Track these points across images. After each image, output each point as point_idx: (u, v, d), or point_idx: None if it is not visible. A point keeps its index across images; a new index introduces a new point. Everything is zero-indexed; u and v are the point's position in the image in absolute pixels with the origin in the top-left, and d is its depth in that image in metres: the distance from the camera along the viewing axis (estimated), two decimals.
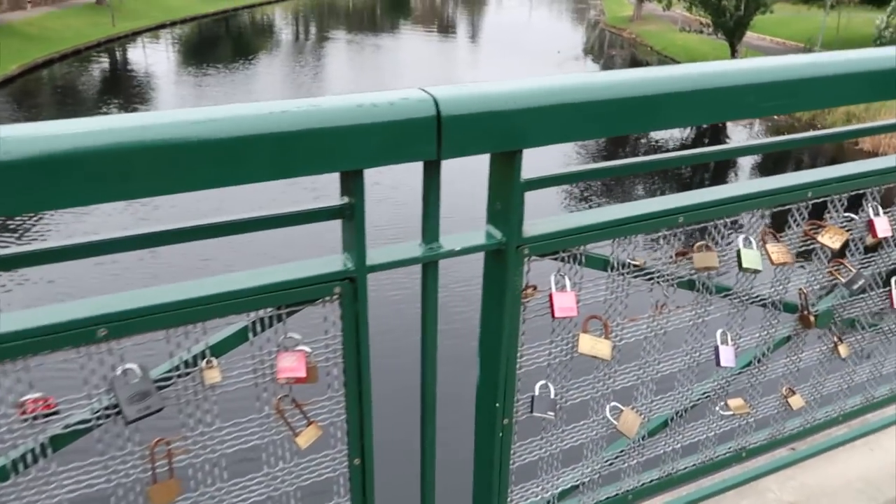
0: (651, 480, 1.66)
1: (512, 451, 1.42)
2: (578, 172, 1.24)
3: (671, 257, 1.39)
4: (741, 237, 1.46)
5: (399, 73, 30.94)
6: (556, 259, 1.27)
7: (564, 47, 41.28)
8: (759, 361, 1.67)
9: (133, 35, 35.59)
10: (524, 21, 58.24)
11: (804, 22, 36.15)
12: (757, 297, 1.56)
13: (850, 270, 1.64)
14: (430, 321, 1.21)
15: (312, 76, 32.08)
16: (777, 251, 1.46)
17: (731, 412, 1.68)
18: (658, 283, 1.40)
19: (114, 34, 33.49)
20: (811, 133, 1.82)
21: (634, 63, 36.91)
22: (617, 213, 1.30)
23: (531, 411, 1.37)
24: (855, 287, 1.64)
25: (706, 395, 1.64)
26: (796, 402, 1.75)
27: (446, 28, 53.59)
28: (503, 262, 1.21)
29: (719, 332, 1.55)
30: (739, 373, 1.66)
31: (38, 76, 27.90)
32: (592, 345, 1.35)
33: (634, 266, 1.36)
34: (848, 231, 1.60)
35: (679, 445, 1.66)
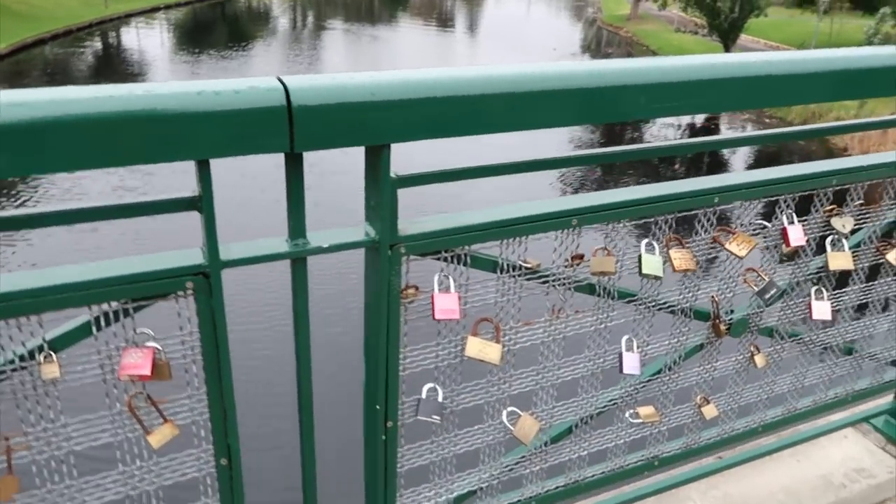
0: (556, 487, 1.62)
1: (399, 455, 1.37)
2: (460, 170, 1.19)
3: (566, 261, 1.35)
4: (644, 242, 1.42)
5: (396, 65, 30.78)
6: (438, 259, 1.23)
7: (562, 44, 41.20)
8: (669, 369, 1.63)
9: (126, 17, 35.29)
10: (522, 16, 58.11)
11: (797, 26, 36.20)
12: (664, 303, 1.52)
13: (763, 279, 1.60)
14: (301, 319, 1.16)
15: (308, 65, 31.89)
16: (680, 258, 1.42)
17: (640, 420, 1.64)
18: (554, 286, 1.36)
19: (106, 16, 33.20)
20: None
21: None
22: (504, 213, 1.25)
23: (417, 414, 1.33)
24: (767, 296, 1.60)
25: (613, 402, 1.60)
26: (710, 411, 1.72)
27: (444, 21, 53.41)
28: (378, 260, 1.16)
29: (624, 338, 1.51)
30: (649, 380, 1.62)
31: (29, 56, 27.60)
32: (481, 348, 1.31)
33: (527, 268, 1.32)
34: (763, 238, 1.56)
35: (586, 452, 1.62)
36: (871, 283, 1.86)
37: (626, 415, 1.64)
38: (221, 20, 44.46)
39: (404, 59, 33.03)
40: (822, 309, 1.71)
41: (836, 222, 1.64)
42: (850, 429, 2.28)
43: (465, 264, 1.25)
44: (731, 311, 1.67)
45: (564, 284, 1.37)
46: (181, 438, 1.16)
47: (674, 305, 1.54)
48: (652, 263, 1.40)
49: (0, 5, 27.84)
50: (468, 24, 53.28)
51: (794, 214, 1.57)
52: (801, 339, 1.80)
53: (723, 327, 1.62)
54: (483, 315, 1.33)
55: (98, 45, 31.66)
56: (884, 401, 2.26)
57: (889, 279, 1.86)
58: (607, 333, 1.48)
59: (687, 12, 35.73)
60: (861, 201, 1.68)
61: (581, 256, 1.36)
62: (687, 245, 1.46)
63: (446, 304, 1.23)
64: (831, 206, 1.63)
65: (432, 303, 1.23)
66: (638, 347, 1.53)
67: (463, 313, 1.28)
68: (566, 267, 1.36)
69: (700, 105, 1.25)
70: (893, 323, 1.96)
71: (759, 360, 1.72)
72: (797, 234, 1.56)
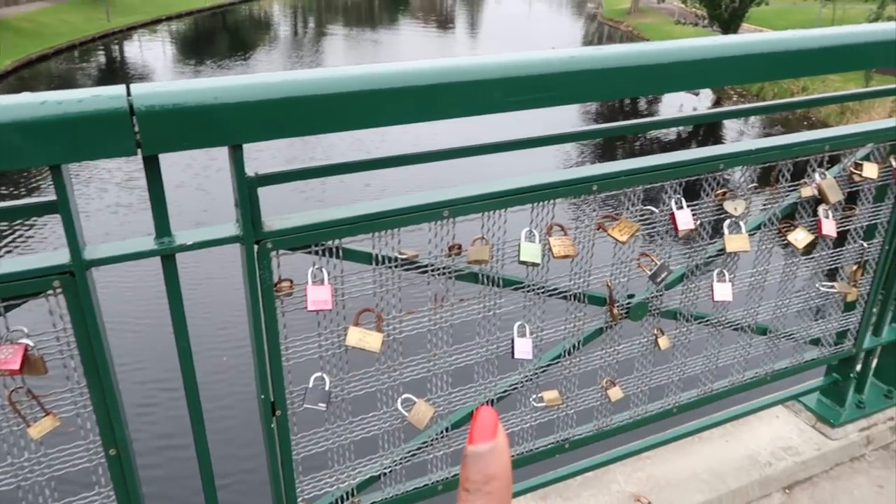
0: None
1: (294, 442, 1.43)
2: (318, 168, 1.25)
3: (443, 251, 1.40)
4: (524, 230, 1.47)
5: None
6: (309, 253, 1.29)
7: (563, 41, 41.12)
8: (570, 353, 1.68)
9: (129, 30, 35.63)
10: (524, 14, 58.04)
11: (800, 13, 35.93)
12: (554, 289, 1.58)
13: (655, 263, 1.65)
14: (177, 313, 1.23)
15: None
16: (560, 244, 1.48)
17: (545, 404, 1.70)
18: (434, 276, 1.42)
19: (109, 29, 33.52)
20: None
21: None
22: (374, 207, 1.31)
23: (303, 403, 1.39)
24: (659, 280, 1.65)
25: (514, 386, 1.66)
26: (615, 393, 1.77)
27: (445, 22, 53.45)
28: (247, 256, 1.22)
29: (516, 324, 1.56)
30: (549, 365, 1.68)
31: (33, 71, 27.97)
32: (361, 337, 1.37)
33: (403, 259, 1.37)
34: (650, 224, 1.61)
35: None
36: (787, 264, 1.90)
37: (531, 400, 1.69)
38: (223, 29, 44.78)
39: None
40: (723, 291, 1.76)
41: (729, 205, 1.68)
42: (783, 408, 2.32)
43: (338, 257, 1.31)
44: (632, 296, 1.72)
45: (445, 274, 1.43)
46: (73, 430, 1.24)
47: (565, 291, 1.59)
48: (530, 251, 1.46)
49: (5, 23, 28.23)
50: (469, 24, 53.30)
51: (682, 199, 1.62)
52: (707, 320, 1.84)
53: (617, 311, 1.67)
54: (366, 306, 1.39)
55: (102, 58, 32.00)
56: (816, 379, 2.30)
57: (798, 259, 1.90)
58: (497, 321, 1.54)
59: (687, 4, 35.59)
60: (755, 184, 1.72)
61: (459, 246, 1.42)
62: (570, 232, 1.51)
63: (319, 296, 1.29)
64: (722, 190, 1.67)
65: (305, 295, 1.29)
66: (532, 333, 1.58)
67: (343, 304, 1.35)
68: (446, 257, 1.42)
69: (557, 98, 1.30)
70: (806, 303, 2.00)
71: (663, 342, 1.77)
72: (685, 219, 1.61)
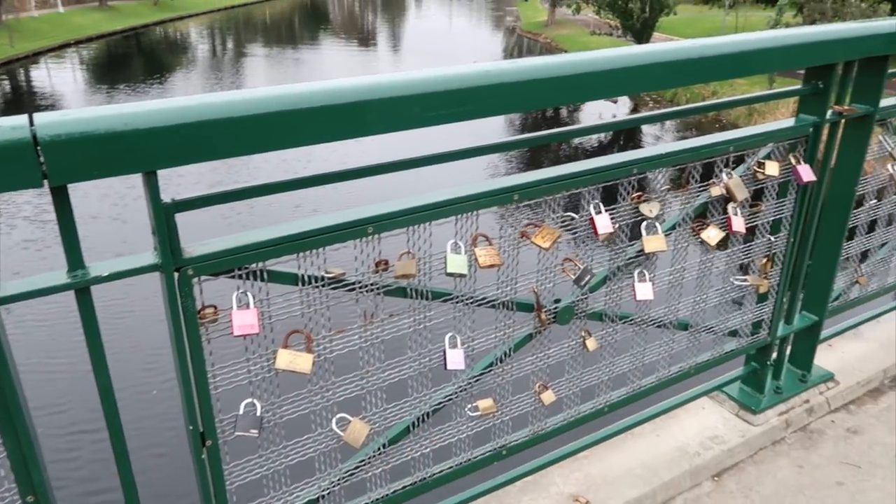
0: (403, 487, 1.67)
1: (227, 472, 1.40)
2: (238, 191, 1.24)
3: (370, 267, 1.40)
4: (450, 242, 1.49)
5: None
6: (233, 277, 1.27)
7: (485, 54, 41.83)
8: (501, 361, 1.71)
9: (34, 56, 34.08)
10: (445, 29, 58.77)
11: (706, 21, 37.78)
12: (483, 298, 1.60)
13: (578, 267, 1.70)
14: (95, 349, 1.18)
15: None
16: (485, 254, 1.50)
17: (480, 413, 1.71)
18: (362, 293, 1.42)
19: (13, 55, 31.98)
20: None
21: None
22: (297, 227, 1.30)
23: (234, 431, 1.36)
24: (582, 283, 1.70)
25: (449, 398, 1.67)
26: (548, 397, 1.80)
27: (367, 39, 53.50)
28: (167, 284, 1.19)
29: (447, 336, 1.57)
30: (482, 374, 1.70)
31: None
32: (291, 359, 1.35)
33: (330, 278, 1.37)
34: (572, 229, 1.66)
35: (429, 450, 1.68)
36: (703, 260, 1.99)
37: (466, 409, 1.71)
38: (137, 52, 43.41)
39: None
40: (644, 290, 1.83)
41: (644, 208, 1.75)
42: (708, 399, 2.41)
43: (262, 280, 1.29)
44: (558, 301, 1.76)
45: (373, 290, 1.43)
46: None
47: (493, 300, 1.62)
48: (457, 262, 1.48)
49: None
50: (391, 40, 53.52)
51: (599, 204, 1.67)
52: (631, 320, 1.91)
53: (544, 316, 1.71)
54: (294, 328, 1.38)
55: (6, 86, 30.48)
56: (737, 370, 2.41)
57: (712, 256, 1.99)
58: (428, 333, 1.55)
59: (601, 15, 36.87)
60: (668, 186, 1.80)
61: (385, 262, 1.42)
62: (494, 242, 1.54)
63: (245, 321, 1.27)
64: (638, 193, 1.74)
65: (230, 320, 1.27)
66: (463, 343, 1.60)
67: (271, 327, 1.33)
68: (373, 273, 1.42)
69: (474, 111, 1.32)
70: (723, 297, 2.10)
71: (591, 343, 1.82)
72: (604, 223, 1.67)
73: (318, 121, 1.17)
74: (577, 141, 23.21)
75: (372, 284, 1.42)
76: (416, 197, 1.42)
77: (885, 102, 2.16)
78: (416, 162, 1.43)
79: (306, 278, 1.34)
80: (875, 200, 2.39)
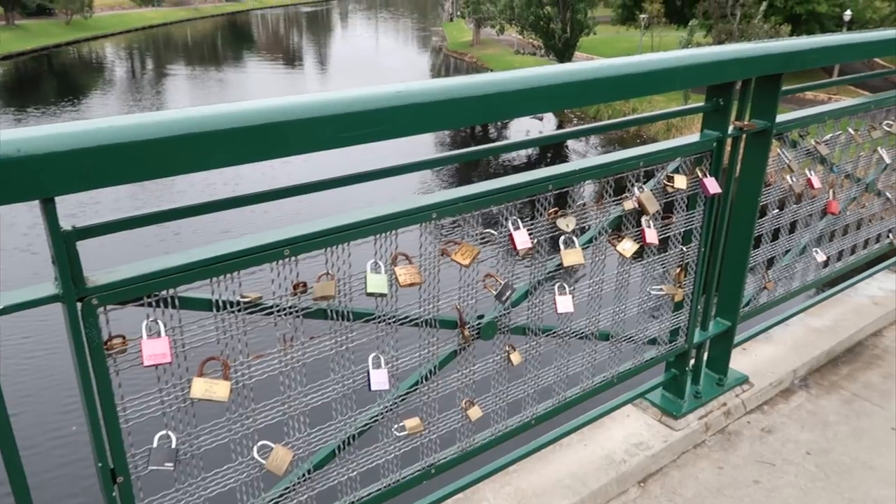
0: None
1: None
2: (145, 216, 1.20)
3: (287, 290, 1.38)
4: (369, 262, 1.49)
5: None
6: (142, 305, 1.22)
7: (412, 73, 42.19)
8: (427, 379, 1.71)
9: None
10: (372, 48, 58.97)
11: (624, 42, 39.34)
12: (406, 317, 1.60)
13: (499, 282, 1.72)
14: None
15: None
16: (405, 273, 1.50)
17: (407, 433, 1.71)
18: (281, 316, 1.39)
19: None
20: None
21: None
22: (210, 252, 1.27)
23: (148, 465, 1.30)
24: (504, 298, 1.72)
25: (374, 419, 1.65)
26: (475, 413, 1.81)
27: (293, 60, 53.05)
28: (69, 315, 1.14)
29: (371, 356, 1.56)
30: (408, 392, 1.69)
31: None
32: (207, 388, 1.31)
33: (247, 302, 1.34)
34: (492, 245, 1.68)
35: (356, 473, 1.65)
36: (620, 272, 2.05)
37: (393, 429, 1.69)
38: (49, 73, 41.66)
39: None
40: (565, 303, 1.87)
41: (561, 222, 1.80)
42: (632, 406, 2.48)
43: (174, 307, 1.25)
44: (481, 316, 1.78)
45: (291, 313, 1.41)
46: None
47: (416, 318, 1.62)
48: (377, 282, 1.47)
49: None
50: (317, 60, 53.28)
51: (518, 220, 1.71)
52: (554, 332, 1.95)
53: (468, 332, 1.72)
54: (210, 355, 1.34)
55: None
56: (659, 377, 2.49)
57: (629, 267, 2.05)
58: (350, 355, 1.53)
59: (524, 35, 37.85)
60: (583, 202, 1.85)
61: (304, 284, 1.40)
62: (414, 260, 1.54)
63: (156, 350, 1.23)
64: (554, 209, 1.78)
65: (140, 350, 1.22)
66: (387, 363, 1.59)
67: (185, 356, 1.29)
68: (291, 296, 1.40)
69: (388, 131, 1.33)
70: (641, 306, 2.17)
71: (515, 357, 1.84)
72: (522, 239, 1.70)
73: (225, 144, 1.15)
74: (505, 158, 23.69)
75: (290, 307, 1.40)
76: (333, 217, 1.42)
77: (781, 118, 2.30)
78: (342, 181, 1.42)
79: (221, 303, 1.30)
80: (777, 210, 2.53)
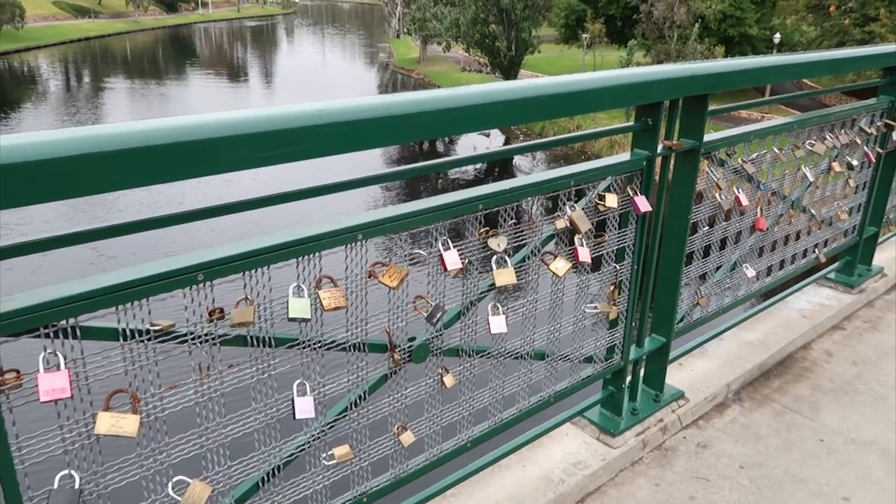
0: None
1: None
2: (44, 241, 1.12)
3: (202, 317, 1.32)
4: (292, 286, 1.43)
5: None
6: (38, 337, 1.14)
7: (359, 89, 42.11)
8: (356, 405, 1.66)
9: None
10: (319, 64, 58.61)
11: (568, 60, 40.22)
12: (332, 342, 1.55)
13: (430, 304, 1.68)
14: None
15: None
16: (329, 297, 1.45)
17: (336, 461, 1.64)
18: (196, 344, 1.32)
19: None
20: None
21: None
22: (115, 278, 1.20)
23: None
24: (435, 320, 1.69)
25: (301, 448, 1.59)
26: (407, 438, 1.76)
27: (237, 73, 52.32)
28: None
29: (295, 383, 1.50)
30: (336, 420, 1.63)
31: None
32: (113, 423, 1.23)
33: (158, 331, 1.27)
34: (421, 266, 1.65)
35: None
36: (553, 291, 2.04)
37: (321, 458, 1.63)
38: None
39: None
40: (498, 323, 1.84)
41: (492, 242, 1.78)
42: (571, 425, 2.47)
43: (75, 338, 1.17)
44: (413, 339, 1.74)
45: (207, 341, 1.34)
46: None
47: (343, 343, 1.57)
48: (299, 306, 1.42)
49: None
50: (263, 75, 52.67)
51: (448, 240, 1.68)
52: (488, 353, 1.92)
53: (398, 356, 1.67)
54: (118, 387, 1.26)
55: None
56: (596, 395, 2.49)
57: (563, 286, 2.05)
58: (273, 382, 1.47)
59: (470, 52, 38.27)
60: (514, 220, 1.84)
61: (220, 310, 1.34)
62: (339, 283, 1.49)
63: (54, 384, 1.14)
64: (485, 229, 1.76)
65: (36, 385, 1.13)
66: (313, 390, 1.53)
67: (88, 389, 1.21)
68: (207, 322, 1.33)
69: (305, 151, 1.29)
70: (576, 325, 2.16)
71: (448, 380, 1.81)
72: (453, 259, 1.67)
73: (130, 164, 1.09)
74: (454, 174, 23.81)
75: (206, 335, 1.33)
76: (252, 240, 1.36)
77: (709, 137, 2.34)
78: (281, 198, 1.37)
79: (128, 332, 1.23)
80: (707, 227, 2.58)
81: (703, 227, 2.56)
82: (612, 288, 2.23)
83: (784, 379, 2.98)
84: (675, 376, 2.78)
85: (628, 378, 2.48)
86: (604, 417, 2.49)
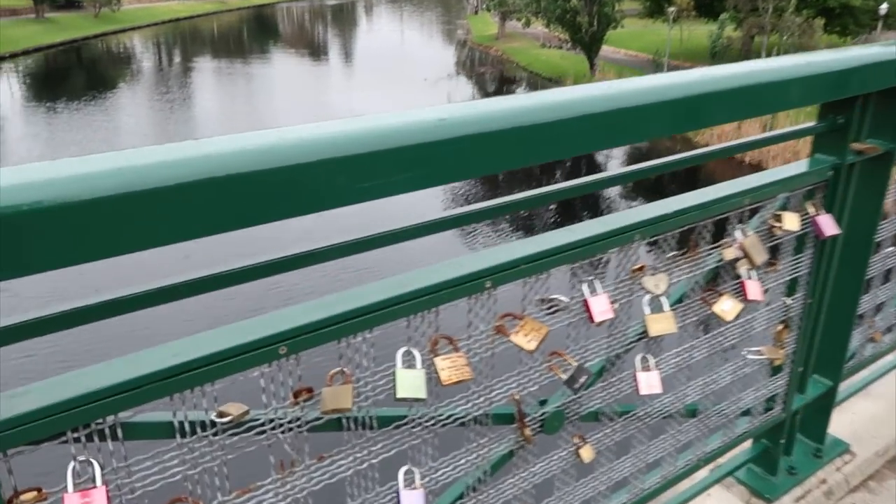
0: None
1: None
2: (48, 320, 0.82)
3: (285, 398, 0.98)
4: (400, 352, 1.08)
5: (273, 103, 29.93)
6: (66, 442, 0.83)
7: (438, 66, 41.72)
8: (474, 490, 1.30)
9: None
10: (397, 42, 58.57)
11: (652, 35, 38.41)
12: (449, 417, 1.19)
13: (571, 364, 1.30)
14: None
15: (177, 109, 30.42)
16: (449, 367, 1.09)
17: None
18: (277, 436, 0.99)
19: None
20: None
21: (503, 80, 37.81)
22: (172, 358, 0.87)
23: None
24: (577, 385, 1.31)
25: None
26: None
27: (318, 52, 52.86)
28: None
29: (401, 471, 1.16)
30: None
31: None
32: None
33: (227, 422, 0.94)
34: (558, 314, 1.27)
35: None
36: (713, 335, 1.62)
37: None
38: (78, 66, 41.94)
39: (281, 97, 32.13)
40: (649, 381, 1.44)
41: (649, 282, 1.37)
42: (716, 486, 2.05)
43: (115, 439, 0.86)
44: (543, 403, 1.37)
45: (292, 429, 1.01)
46: None
47: (462, 417, 1.21)
48: (411, 381, 1.06)
49: None
50: (343, 53, 53.01)
51: (595, 283, 1.29)
52: (633, 415, 1.53)
53: (529, 431, 1.30)
54: (175, 495, 0.95)
55: None
56: (745, 448, 2.05)
57: (723, 329, 1.63)
58: (374, 473, 1.13)
59: (550, 28, 37.11)
60: (673, 252, 1.43)
61: (309, 389, 1.00)
62: (460, 345, 1.13)
63: None
64: (640, 265, 1.36)
65: None
66: (423, 477, 1.19)
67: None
68: (291, 406, 1.00)
69: (427, 177, 0.93)
70: (736, 375, 1.73)
71: (586, 453, 1.43)
72: (601, 306, 1.28)
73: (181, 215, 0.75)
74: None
75: (290, 422, 1.00)
76: (348, 294, 1.01)
77: None
78: (352, 247, 1.02)
79: (186, 426, 0.91)
80: (892, 247, 2.08)
81: (887, 246, 2.06)
82: (780, 327, 1.78)
83: None
84: (835, 423, 2.29)
85: (786, 430, 2.03)
86: (754, 476, 2.05)
